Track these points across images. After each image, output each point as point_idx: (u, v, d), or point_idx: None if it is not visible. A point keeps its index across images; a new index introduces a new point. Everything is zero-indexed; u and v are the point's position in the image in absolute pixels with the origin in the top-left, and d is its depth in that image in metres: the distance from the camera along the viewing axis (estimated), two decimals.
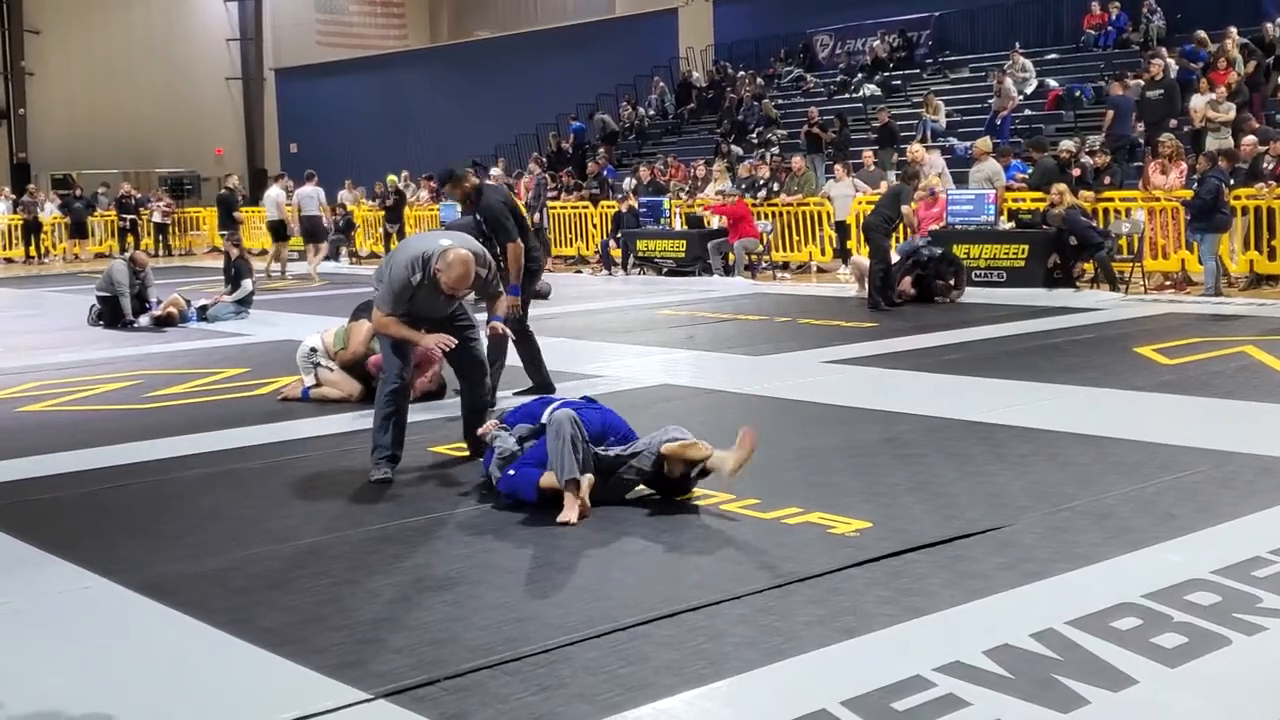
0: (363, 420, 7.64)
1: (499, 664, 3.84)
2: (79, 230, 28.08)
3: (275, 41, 41.22)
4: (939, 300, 13.46)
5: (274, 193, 21.42)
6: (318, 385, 8.53)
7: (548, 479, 5.53)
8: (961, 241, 14.88)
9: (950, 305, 13.30)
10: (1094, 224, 14.41)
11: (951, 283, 13.60)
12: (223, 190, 21.67)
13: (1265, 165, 14.44)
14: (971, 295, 13.61)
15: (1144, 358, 9.45)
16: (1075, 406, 7.64)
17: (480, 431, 6.24)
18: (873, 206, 14.28)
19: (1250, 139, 15.00)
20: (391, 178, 22.64)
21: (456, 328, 6.45)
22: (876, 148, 20.57)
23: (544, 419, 5.75)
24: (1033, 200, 15.75)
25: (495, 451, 5.88)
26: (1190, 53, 19.39)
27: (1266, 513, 5.21)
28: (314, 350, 8.60)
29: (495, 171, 22.13)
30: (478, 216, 8.13)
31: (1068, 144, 17.00)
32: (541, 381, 8.32)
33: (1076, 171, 16.01)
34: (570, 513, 5.37)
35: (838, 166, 18.33)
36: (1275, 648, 3.82)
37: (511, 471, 5.68)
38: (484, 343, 6.78)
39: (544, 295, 8.19)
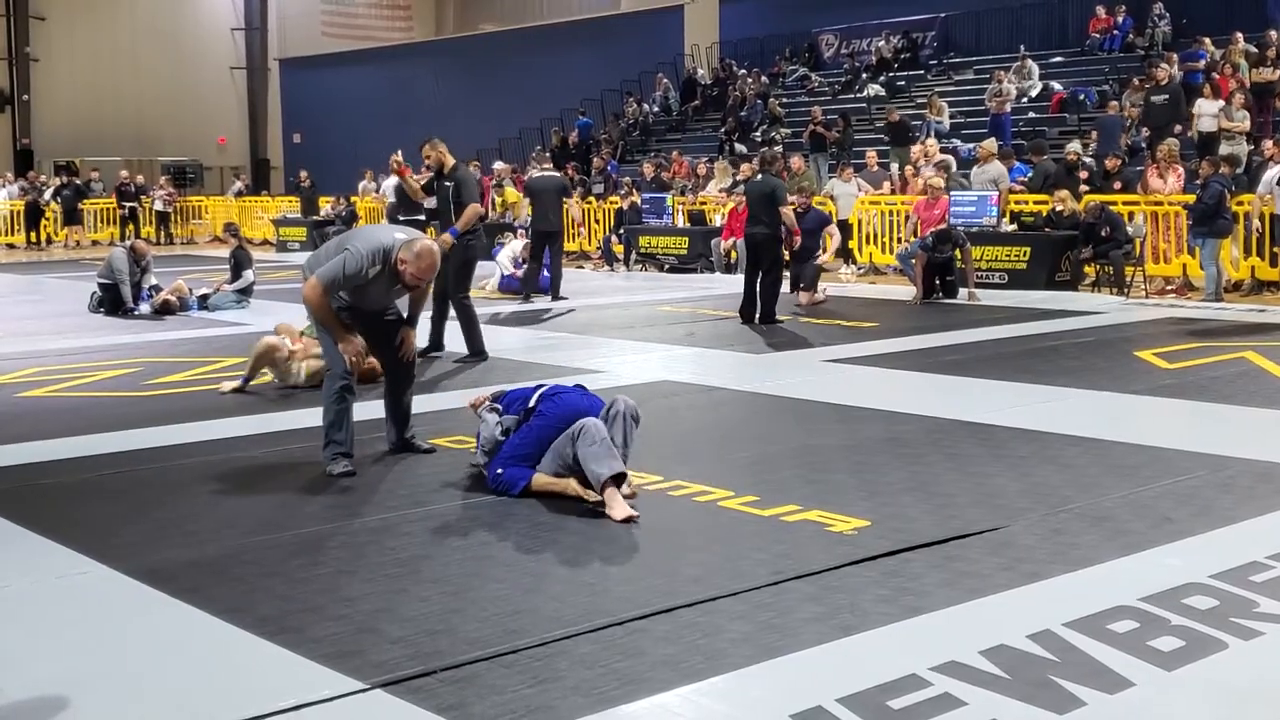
0: (362, 410, 7.63)
1: (495, 656, 3.84)
2: (70, 217, 28.05)
3: (280, 31, 41.21)
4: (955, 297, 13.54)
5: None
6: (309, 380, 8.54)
7: (539, 481, 5.66)
8: None
9: (956, 305, 13.30)
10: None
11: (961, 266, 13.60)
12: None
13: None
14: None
15: (1144, 362, 9.45)
16: (1075, 409, 7.64)
17: (471, 403, 6.33)
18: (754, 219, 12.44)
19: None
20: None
21: (386, 321, 6.56)
22: (888, 146, 20.55)
23: (532, 402, 5.89)
24: (1035, 203, 15.75)
25: (480, 432, 5.99)
26: (1191, 56, 19.42)
27: (1264, 518, 5.22)
28: (294, 353, 8.71)
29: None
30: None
31: (1074, 146, 16.98)
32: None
33: (1084, 174, 15.99)
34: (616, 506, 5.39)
35: (846, 168, 18.29)
36: (1272, 652, 3.83)
37: (500, 470, 5.77)
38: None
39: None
